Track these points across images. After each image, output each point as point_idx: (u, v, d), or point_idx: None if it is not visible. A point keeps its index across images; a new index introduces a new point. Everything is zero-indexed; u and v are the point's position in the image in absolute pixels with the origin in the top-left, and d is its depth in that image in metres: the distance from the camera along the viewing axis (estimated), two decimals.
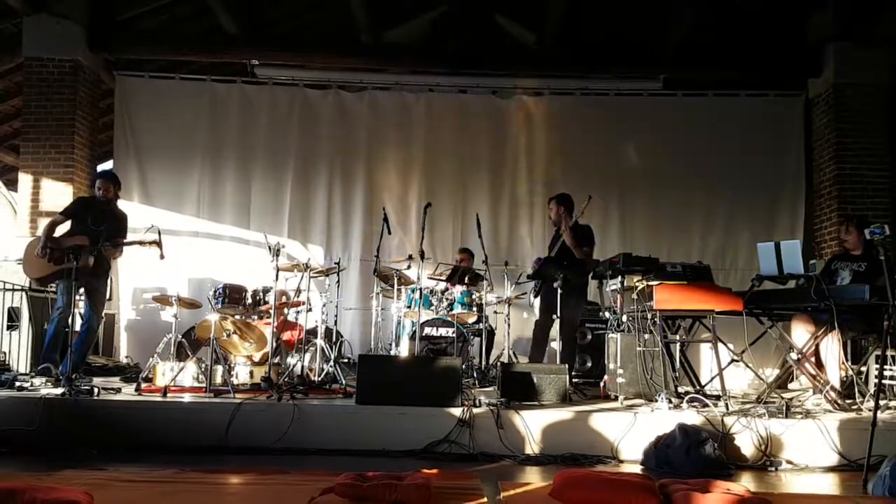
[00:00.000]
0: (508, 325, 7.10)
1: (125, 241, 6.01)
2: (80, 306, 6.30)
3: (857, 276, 5.55)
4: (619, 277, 5.43)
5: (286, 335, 6.14)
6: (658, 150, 8.76)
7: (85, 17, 8.09)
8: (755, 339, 6.30)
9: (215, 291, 6.69)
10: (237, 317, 6.51)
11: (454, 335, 6.72)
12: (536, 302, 6.81)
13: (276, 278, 5.39)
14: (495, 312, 7.48)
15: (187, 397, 4.91)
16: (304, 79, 8.78)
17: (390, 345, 7.47)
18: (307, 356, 5.44)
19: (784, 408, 4.50)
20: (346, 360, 7.27)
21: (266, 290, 6.37)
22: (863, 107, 8.20)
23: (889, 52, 8.18)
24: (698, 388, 6.20)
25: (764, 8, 8.24)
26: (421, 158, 8.76)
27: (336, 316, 6.59)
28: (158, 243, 5.58)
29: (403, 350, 6.92)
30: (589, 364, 6.89)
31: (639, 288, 5.27)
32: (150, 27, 8.60)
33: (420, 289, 6.76)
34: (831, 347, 5.40)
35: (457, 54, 8.71)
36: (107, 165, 8.96)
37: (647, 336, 5.13)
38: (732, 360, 6.03)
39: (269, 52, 8.61)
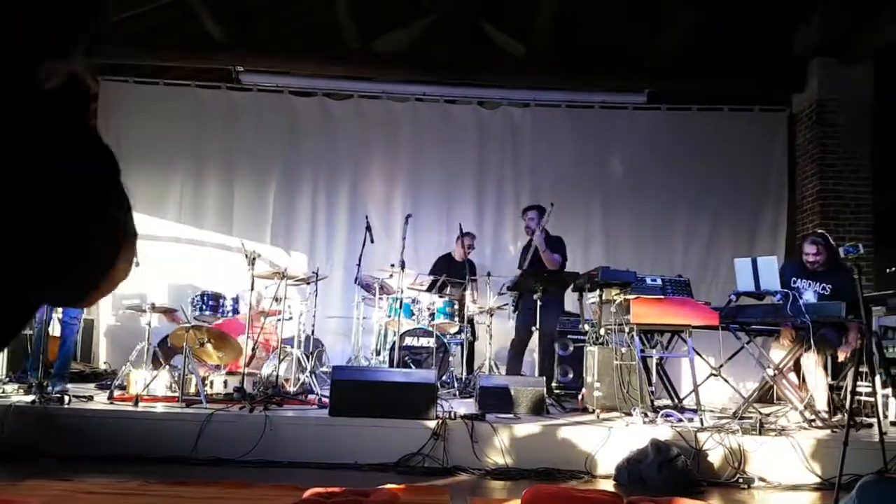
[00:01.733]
0: (490, 335, 7.09)
1: None
2: (59, 311, 6.31)
3: (822, 299, 5.53)
4: (598, 290, 5.43)
5: (262, 343, 6.09)
6: (642, 162, 8.78)
7: None
8: (733, 355, 6.32)
9: (193, 299, 6.69)
10: (214, 323, 6.50)
11: (435, 345, 6.70)
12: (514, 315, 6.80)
13: (252, 287, 5.35)
14: (477, 322, 7.46)
15: (159, 407, 4.85)
16: (290, 86, 8.76)
17: (371, 354, 7.45)
18: (283, 366, 5.39)
19: (758, 424, 4.48)
20: (325, 370, 7.26)
21: (243, 298, 6.34)
22: (846, 122, 8.22)
23: (872, 68, 8.23)
24: (676, 402, 6.21)
25: (748, 23, 8.28)
26: (406, 167, 8.76)
27: (313, 325, 6.53)
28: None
29: (384, 360, 6.89)
30: (570, 376, 6.88)
31: (617, 301, 5.26)
32: (134, 32, 8.54)
33: (400, 298, 6.73)
34: (807, 364, 5.42)
35: (444, 64, 8.69)
36: None
37: (623, 350, 5.12)
38: (711, 375, 6.05)
39: (255, 58, 8.59)
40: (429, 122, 8.82)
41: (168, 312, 5.79)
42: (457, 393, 6.71)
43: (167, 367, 5.14)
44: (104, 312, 8.38)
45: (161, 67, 8.72)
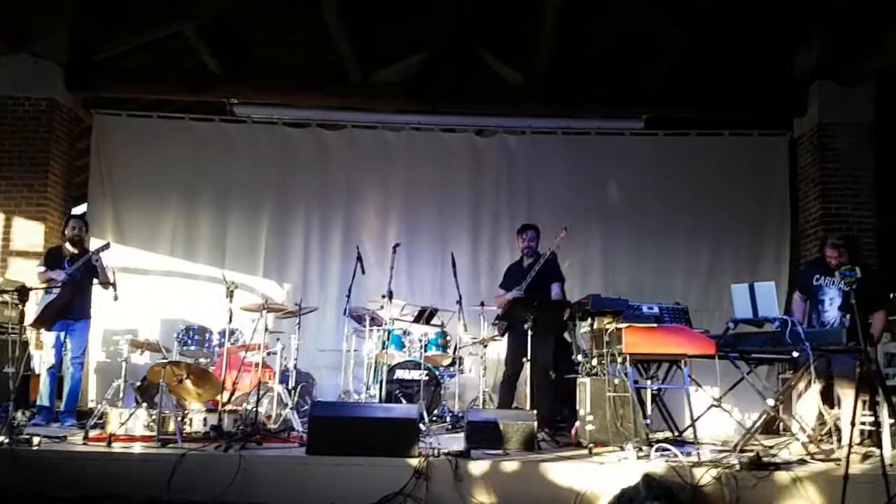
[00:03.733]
0: (484, 367, 6.92)
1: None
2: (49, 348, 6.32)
3: (846, 297, 5.33)
4: (590, 319, 5.25)
5: (245, 379, 5.92)
6: (641, 189, 8.64)
7: (63, 57, 8.03)
8: (733, 385, 6.11)
9: (178, 333, 6.56)
10: (203, 360, 6.36)
11: (426, 378, 6.52)
12: (504, 339, 6.59)
13: (230, 320, 5.19)
14: (470, 354, 7.27)
15: (136, 447, 4.68)
16: (284, 117, 8.70)
17: (363, 388, 7.27)
18: (266, 401, 5.22)
19: (756, 458, 4.26)
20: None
21: (232, 332, 6.21)
22: (848, 146, 8.07)
23: (873, 91, 8.09)
24: (676, 434, 6.00)
25: (747, 47, 8.18)
26: (401, 197, 8.66)
27: (296, 360, 6.37)
28: (113, 284, 5.55)
29: (374, 394, 6.71)
30: (566, 410, 6.65)
31: (609, 330, 5.08)
32: (129, 66, 8.53)
33: (389, 330, 6.57)
34: (807, 393, 5.23)
35: (440, 94, 8.61)
36: (82, 206, 8.85)
37: (617, 381, 4.93)
38: (712, 405, 5.83)
39: (250, 91, 8.56)
40: (424, 151, 8.73)
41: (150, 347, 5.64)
42: (449, 427, 6.52)
43: (144, 405, 4.96)
44: (94, 348, 8.21)
45: (156, 101, 8.69)
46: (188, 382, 5.04)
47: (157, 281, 8.39)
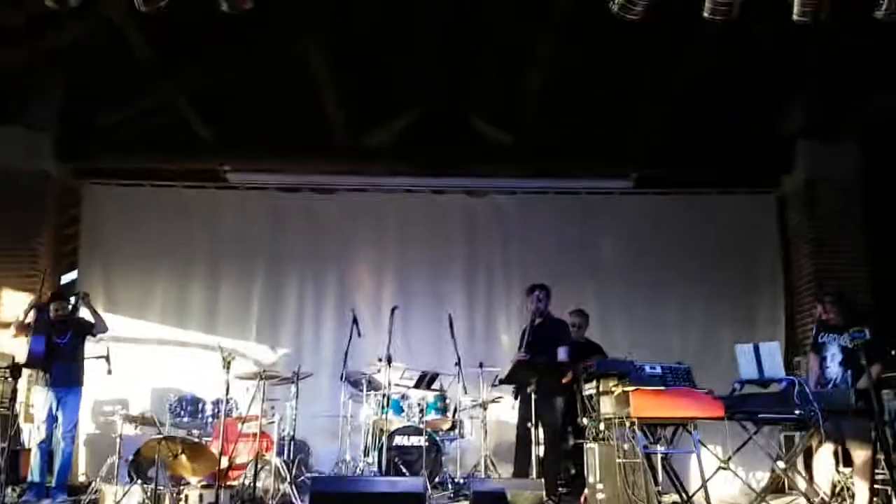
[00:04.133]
0: (485, 430, 6.79)
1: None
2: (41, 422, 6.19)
3: (847, 352, 5.34)
4: (595, 382, 5.18)
5: (242, 451, 5.75)
6: (631, 248, 8.66)
7: (54, 127, 8.03)
8: (741, 446, 6.02)
9: (171, 405, 6.41)
10: (196, 431, 6.21)
11: (426, 444, 6.38)
12: (517, 404, 6.48)
13: (227, 391, 5.07)
14: (471, 418, 7.14)
15: None
16: (276, 183, 8.72)
17: (360, 456, 7.10)
18: (263, 475, 5.06)
19: None
20: (310, 475, 6.88)
21: (227, 402, 6.04)
22: (836, 202, 8.13)
23: (859, 146, 8.22)
24: (685, 498, 5.87)
25: (734, 106, 8.33)
26: (394, 259, 8.64)
27: (294, 429, 6.21)
28: (107, 358, 5.48)
29: (373, 461, 6.55)
30: (573, 472, 6.51)
31: (615, 393, 5.01)
32: (120, 135, 8.52)
33: (387, 395, 6.47)
34: (818, 455, 5.16)
35: (431, 157, 8.66)
36: (71, 274, 8.75)
37: (626, 447, 4.83)
38: (719, 468, 5.73)
39: (241, 157, 8.57)
40: (416, 213, 8.75)
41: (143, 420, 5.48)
42: (451, 495, 6.37)
43: (139, 481, 4.80)
44: (83, 420, 7.99)
45: (147, 169, 8.67)
46: (183, 458, 4.89)
47: (149, 349, 8.25)
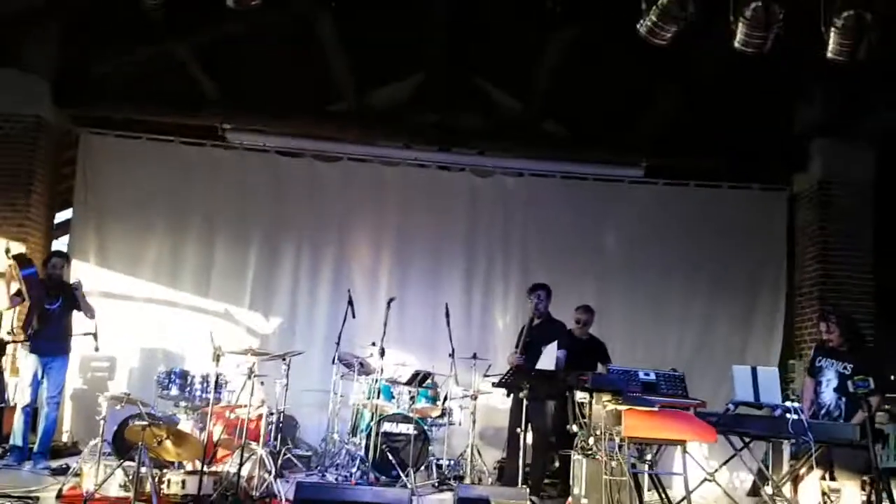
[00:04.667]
0: (474, 420, 6.74)
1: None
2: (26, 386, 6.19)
3: (843, 379, 5.25)
4: (589, 395, 5.10)
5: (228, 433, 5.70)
6: (637, 238, 8.52)
7: (52, 72, 7.78)
8: (727, 460, 6.01)
9: (159, 376, 6.34)
10: (182, 403, 6.15)
11: (414, 432, 6.35)
12: (509, 401, 6.43)
13: (216, 385, 4.97)
14: (461, 407, 7.10)
15: None
16: (277, 146, 8.49)
17: (348, 434, 7.09)
18: (248, 465, 5.02)
19: None
20: (298, 452, 6.90)
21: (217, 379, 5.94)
22: (848, 204, 7.99)
23: (875, 149, 8.02)
24: None
25: (751, 100, 8.09)
26: (394, 234, 8.47)
27: (282, 409, 6.16)
28: (94, 334, 5.40)
29: (360, 441, 6.53)
30: (556, 465, 6.49)
31: (608, 408, 4.93)
32: (119, 84, 8.27)
33: (378, 380, 6.40)
34: (806, 481, 5.12)
35: (438, 130, 8.45)
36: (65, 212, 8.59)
37: (613, 463, 4.77)
38: (705, 479, 5.71)
39: (242, 115, 8.34)
40: (419, 188, 8.55)
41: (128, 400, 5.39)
42: (435, 484, 6.37)
43: (121, 464, 4.76)
44: (71, 375, 7.93)
45: (144, 122, 8.43)
46: (168, 443, 4.83)
47: (139, 307, 8.14)
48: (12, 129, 7.70)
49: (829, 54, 4.11)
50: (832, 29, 4.28)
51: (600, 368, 6.34)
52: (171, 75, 8.32)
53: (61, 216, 8.81)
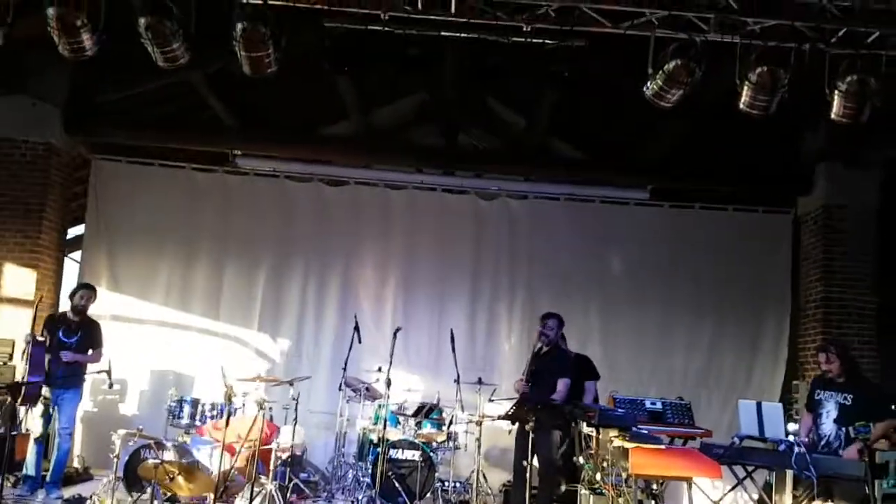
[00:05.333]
0: (479, 444, 6.79)
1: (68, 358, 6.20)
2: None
3: (844, 410, 5.28)
4: (595, 431, 5.16)
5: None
6: (643, 260, 8.58)
7: (63, 99, 7.85)
8: (732, 488, 6.05)
9: (170, 405, 6.44)
10: (193, 431, 6.24)
11: (420, 459, 6.42)
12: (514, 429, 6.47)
13: (227, 421, 5.04)
14: (466, 432, 7.16)
15: None
16: (286, 171, 8.58)
17: (354, 457, 7.17)
18: (258, 500, 5.10)
19: None
20: (305, 477, 6.98)
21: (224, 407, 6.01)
22: (852, 229, 8.02)
23: (880, 175, 8.07)
24: None
25: (756, 125, 8.13)
26: (400, 257, 8.56)
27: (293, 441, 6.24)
28: (108, 372, 5.52)
29: (367, 468, 6.60)
30: (563, 489, 6.50)
31: (614, 444, 4.98)
32: (130, 112, 8.39)
33: (384, 407, 6.47)
34: None
35: (443, 149, 8.51)
36: (75, 254, 8.71)
37: (621, 500, 4.83)
38: None
39: (253, 141, 8.40)
40: (425, 212, 8.64)
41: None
42: None
43: (133, 500, 4.85)
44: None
45: (154, 148, 8.52)
46: (180, 479, 4.91)
47: (150, 330, 8.26)
48: (23, 157, 7.78)
49: (833, 116, 4.21)
50: (836, 92, 4.39)
51: (559, 387, 6.08)
52: (182, 104, 8.43)
53: (73, 231, 8.91)
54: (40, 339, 6.21)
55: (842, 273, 7.99)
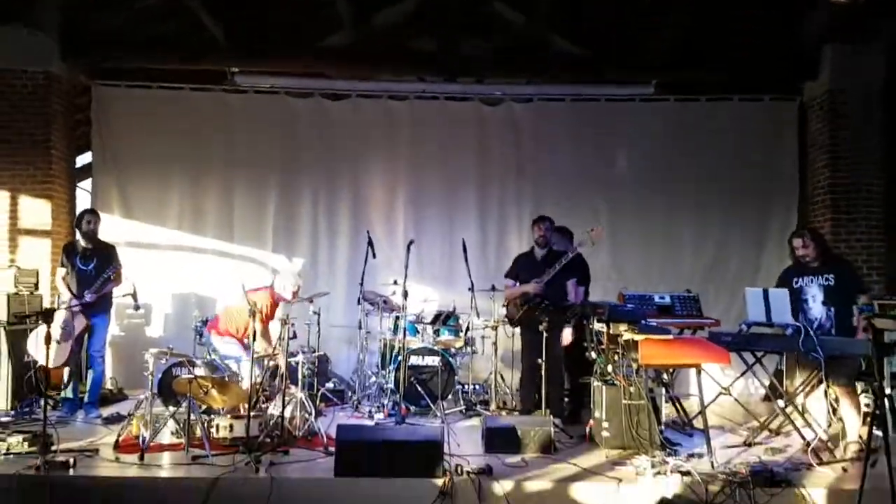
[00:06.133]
0: (496, 349, 7.03)
1: (91, 298, 6.33)
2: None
3: (829, 291, 5.41)
4: (605, 326, 5.33)
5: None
6: (649, 157, 8.57)
7: (57, 27, 7.79)
8: (741, 374, 6.28)
9: (195, 324, 6.66)
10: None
11: (440, 364, 6.66)
12: (517, 331, 6.67)
13: (254, 340, 5.22)
14: (483, 337, 7.39)
15: (165, 458, 4.86)
16: (285, 87, 8.51)
17: (377, 367, 7.43)
18: (289, 407, 5.34)
19: (769, 475, 4.42)
20: (331, 387, 7.26)
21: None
22: (858, 112, 8.02)
23: (885, 54, 7.95)
24: (685, 420, 6.19)
25: (759, 9, 7.98)
26: (406, 169, 8.58)
27: (314, 352, 6.46)
28: (133, 295, 5.70)
29: (389, 373, 6.85)
30: (568, 387, 6.74)
31: (624, 337, 5.16)
32: (125, 34, 8.26)
33: (402, 317, 6.67)
34: (812, 395, 5.37)
35: (441, 55, 8.37)
36: (86, 182, 8.78)
37: (632, 389, 5.05)
38: (720, 394, 6.01)
39: (249, 58, 8.29)
40: (428, 121, 8.58)
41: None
42: (463, 410, 6.71)
43: (173, 415, 5.10)
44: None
45: (154, 71, 8.46)
46: (213, 392, 5.16)
47: (167, 255, 8.41)
48: (24, 88, 7.79)
49: None
50: None
51: (570, 288, 6.29)
52: (177, 22, 8.29)
53: (80, 160, 8.96)
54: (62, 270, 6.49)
55: (849, 157, 8.03)
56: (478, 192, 8.52)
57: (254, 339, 5.34)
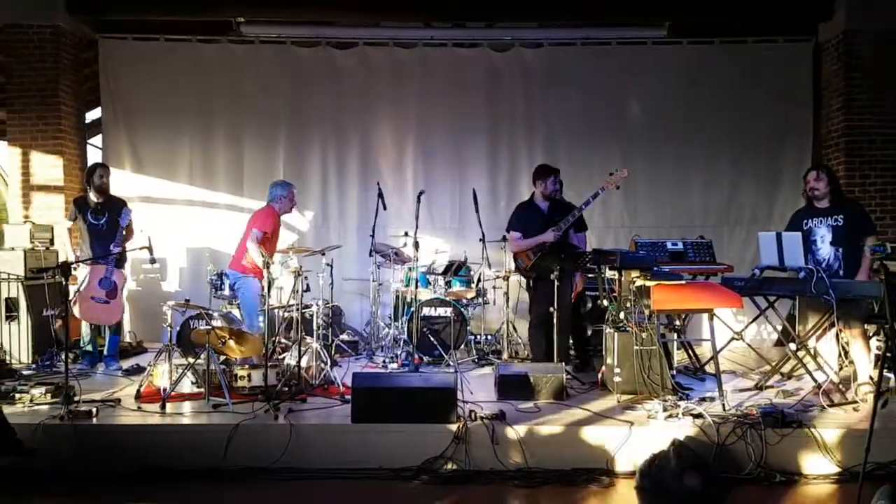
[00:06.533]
0: (507, 299, 7.07)
1: (118, 250, 6.35)
2: None
3: (838, 232, 5.42)
4: (617, 273, 5.35)
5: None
6: (662, 101, 8.48)
7: None
8: (753, 319, 6.32)
9: (211, 279, 6.73)
10: (236, 300, 6.55)
11: (452, 315, 6.72)
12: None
13: (268, 289, 5.28)
14: (494, 288, 7.42)
15: (186, 407, 4.97)
16: (292, 36, 8.43)
17: (389, 318, 7.50)
18: (305, 357, 5.42)
19: (780, 416, 4.47)
20: (345, 338, 7.34)
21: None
22: (874, 54, 7.89)
23: None
24: (697, 366, 6.25)
25: None
26: (416, 119, 8.51)
27: (328, 303, 6.51)
28: (149, 248, 5.77)
29: (402, 324, 6.92)
30: (589, 332, 6.80)
31: (636, 284, 5.18)
32: None
33: (414, 269, 6.70)
34: (825, 338, 5.40)
35: (453, 5, 8.24)
36: (96, 139, 8.78)
37: (644, 335, 5.08)
38: (732, 339, 6.06)
39: (253, 6, 8.17)
40: (437, 69, 8.48)
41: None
42: (476, 359, 6.79)
43: (192, 365, 5.20)
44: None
45: (160, 23, 8.37)
46: (231, 342, 5.24)
47: (180, 210, 8.46)
48: (31, 42, 7.76)
49: None
50: None
51: (572, 237, 6.21)
52: None
53: (89, 116, 8.96)
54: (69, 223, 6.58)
55: (863, 100, 7.94)
56: (488, 141, 8.46)
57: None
